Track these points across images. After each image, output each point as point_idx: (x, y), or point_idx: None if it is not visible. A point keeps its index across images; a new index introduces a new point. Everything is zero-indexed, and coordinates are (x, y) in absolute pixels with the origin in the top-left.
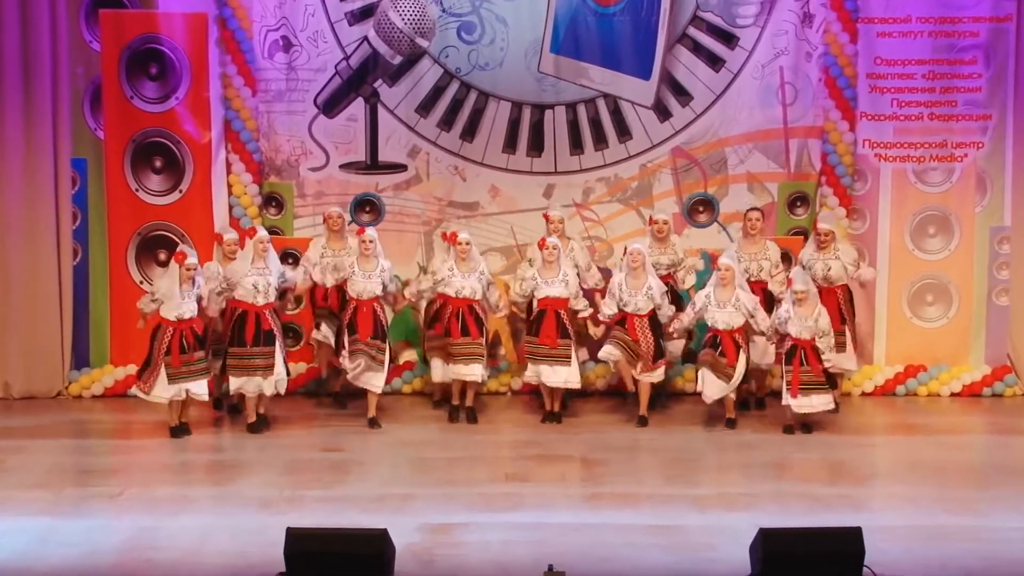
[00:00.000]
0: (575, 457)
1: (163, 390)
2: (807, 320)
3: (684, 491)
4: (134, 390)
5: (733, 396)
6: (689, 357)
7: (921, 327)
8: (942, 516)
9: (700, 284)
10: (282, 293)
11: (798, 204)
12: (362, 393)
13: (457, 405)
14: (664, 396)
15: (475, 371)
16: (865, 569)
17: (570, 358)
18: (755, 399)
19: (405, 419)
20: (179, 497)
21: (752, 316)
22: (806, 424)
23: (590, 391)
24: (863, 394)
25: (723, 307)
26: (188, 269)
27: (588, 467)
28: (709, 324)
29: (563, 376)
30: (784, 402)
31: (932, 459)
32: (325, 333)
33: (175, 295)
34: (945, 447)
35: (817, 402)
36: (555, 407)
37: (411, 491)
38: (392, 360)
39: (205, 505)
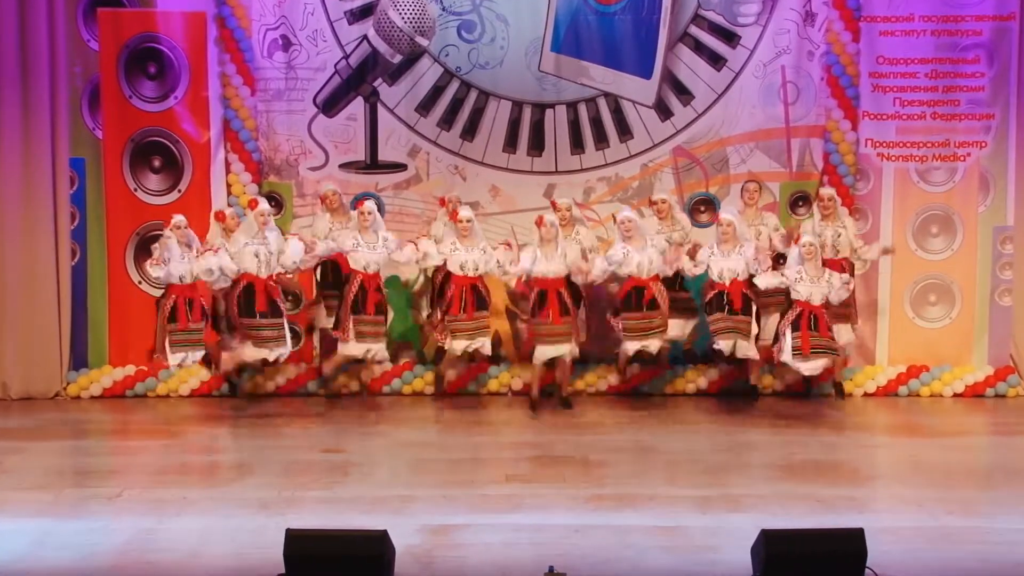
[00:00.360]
0: (576, 458)
1: (171, 357)
2: (818, 281)
3: (685, 492)
4: (158, 359)
5: (756, 356)
6: (689, 358)
7: (924, 327)
8: (945, 518)
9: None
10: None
11: (800, 204)
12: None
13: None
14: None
15: (483, 343)
16: (867, 571)
17: (571, 335)
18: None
19: (405, 420)
20: (178, 498)
21: (749, 264)
22: (839, 385)
23: (591, 392)
24: (865, 395)
25: (727, 256)
26: (179, 228)
27: (589, 468)
28: (716, 279)
29: (565, 349)
30: (787, 361)
31: (935, 460)
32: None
33: (175, 257)
34: (948, 448)
35: (820, 365)
36: (564, 391)
37: (411, 492)
38: (392, 360)
39: (204, 506)
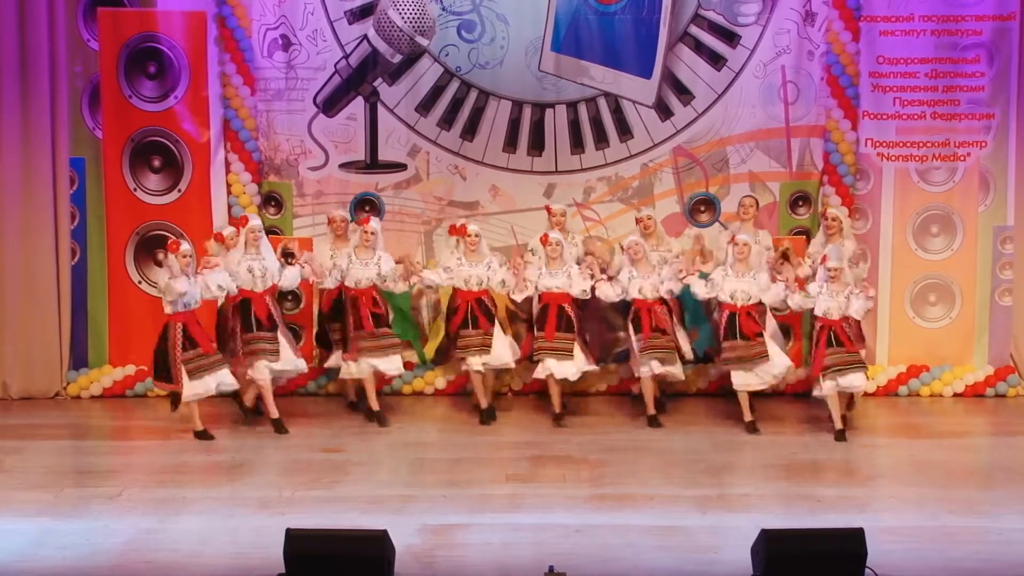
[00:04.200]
0: (576, 458)
1: (191, 388)
2: (838, 296)
3: (686, 492)
4: (167, 393)
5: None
6: (704, 357)
7: (924, 327)
8: (946, 517)
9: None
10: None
11: (800, 204)
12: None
13: (485, 408)
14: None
15: (491, 358)
16: (867, 570)
17: (571, 351)
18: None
19: (405, 419)
20: (178, 498)
21: (764, 292)
22: (841, 431)
23: (591, 391)
24: (865, 395)
25: (741, 277)
26: (184, 256)
27: (589, 468)
28: (727, 301)
29: (570, 370)
30: (815, 393)
31: (935, 460)
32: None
33: (183, 285)
34: (948, 448)
35: (855, 381)
36: (558, 408)
37: (411, 492)
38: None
39: (205, 506)
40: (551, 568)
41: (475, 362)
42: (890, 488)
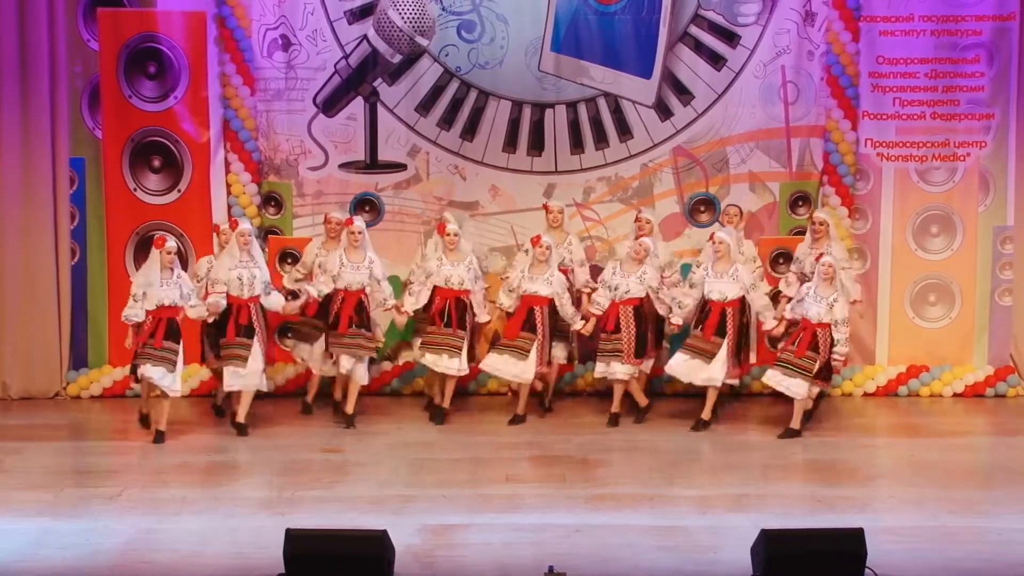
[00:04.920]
0: (576, 458)
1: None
2: (824, 301)
3: (685, 492)
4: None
5: (714, 383)
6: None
7: (924, 327)
8: (945, 517)
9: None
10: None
11: (800, 204)
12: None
13: (439, 405)
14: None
15: (450, 364)
16: (867, 570)
17: (528, 352)
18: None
19: (404, 420)
20: (178, 498)
21: (749, 291)
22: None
23: (589, 392)
24: (865, 395)
25: (720, 277)
26: (168, 253)
27: (589, 468)
28: (705, 297)
29: (515, 370)
30: (766, 377)
31: (935, 460)
32: (296, 346)
33: (154, 282)
34: (948, 448)
35: (791, 386)
36: (519, 409)
37: (411, 492)
38: (390, 358)
39: (204, 506)
40: (551, 568)
41: (430, 359)
42: (890, 488)
